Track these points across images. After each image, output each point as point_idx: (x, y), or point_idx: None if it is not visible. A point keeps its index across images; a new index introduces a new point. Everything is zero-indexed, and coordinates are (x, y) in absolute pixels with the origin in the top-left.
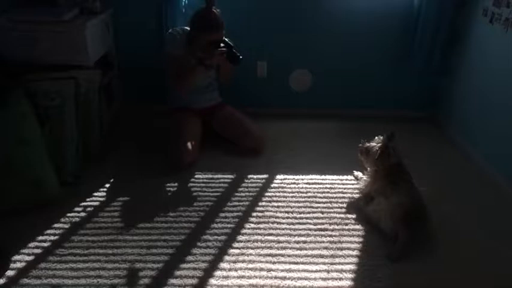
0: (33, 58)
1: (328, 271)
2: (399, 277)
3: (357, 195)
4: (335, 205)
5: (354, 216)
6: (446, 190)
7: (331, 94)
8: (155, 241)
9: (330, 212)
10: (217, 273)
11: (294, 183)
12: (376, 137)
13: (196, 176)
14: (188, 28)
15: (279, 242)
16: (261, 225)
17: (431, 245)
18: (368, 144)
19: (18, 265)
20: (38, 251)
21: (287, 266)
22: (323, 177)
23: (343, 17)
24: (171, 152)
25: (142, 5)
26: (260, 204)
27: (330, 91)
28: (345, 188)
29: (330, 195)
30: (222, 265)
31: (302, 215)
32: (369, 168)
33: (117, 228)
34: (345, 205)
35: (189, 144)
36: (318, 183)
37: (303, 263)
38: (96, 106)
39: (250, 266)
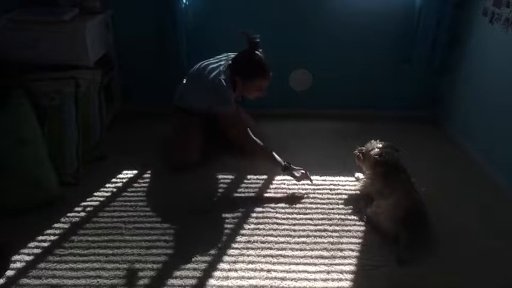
0: (33, 58)
1: (328, 272)
2: (399, 277)
3: (357, 194)
4: (335, 206)
5: (353, 216)
6: (446, 190)
7: (331, 94)
8: (155, 241)
9: (330, 213)
10: (217, 273)
11: (294, 183)
12: (372, 140)
13: (196, 176)
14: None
15: (278, 242)
16: (261, 226)
17: (431, 245)
18: (364, 149)
19: (18, 265)
20: (38, 251)
21: (287, 267)
22: (323, 178)
23: (344, 17)
24: (172, 152)
25: (143, 5)
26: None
27: (330, 91)
28: (345, 189)
29: (329, 196)
30: (222, 265)
31: (302, 216)
32: (367, 171)
33: (117, 228)
34: (345, 206)
35: (191, 145)
36: (318, 184)
37: (302, 264)
38: (96, 106)
39: (250, 266)
